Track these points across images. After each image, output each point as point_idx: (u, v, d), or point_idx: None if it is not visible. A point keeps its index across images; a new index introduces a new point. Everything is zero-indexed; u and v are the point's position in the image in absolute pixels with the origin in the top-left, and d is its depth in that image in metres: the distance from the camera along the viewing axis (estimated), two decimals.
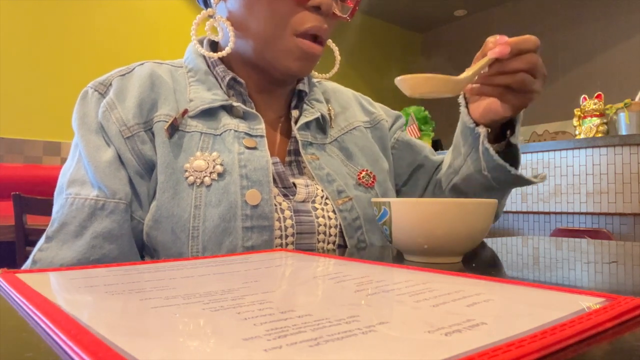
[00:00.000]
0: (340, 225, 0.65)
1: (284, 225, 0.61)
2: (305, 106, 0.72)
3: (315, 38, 0.63)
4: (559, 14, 3.84)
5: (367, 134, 0.78)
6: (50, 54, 2.77)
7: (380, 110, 0.84)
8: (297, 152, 0.69)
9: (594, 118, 2.36)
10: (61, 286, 0.34)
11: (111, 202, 0.56)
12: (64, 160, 2.80)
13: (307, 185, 0.65)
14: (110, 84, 0.63)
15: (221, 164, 0.59)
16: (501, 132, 0.69)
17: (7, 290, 0.31)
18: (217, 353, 0.18)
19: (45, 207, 1.40)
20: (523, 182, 0.69)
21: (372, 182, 0.72)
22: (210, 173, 0.59)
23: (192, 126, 0.62)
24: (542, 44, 0.60)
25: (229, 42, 0.64)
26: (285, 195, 0.63)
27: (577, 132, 2.46)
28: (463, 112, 0.68)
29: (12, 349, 0.21)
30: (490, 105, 0.63)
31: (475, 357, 0.17)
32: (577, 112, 2.45)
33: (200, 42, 0.72)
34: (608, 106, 2.37)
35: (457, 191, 0.75)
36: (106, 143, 0.60)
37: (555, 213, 2.14)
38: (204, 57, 0.69)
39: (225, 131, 0.63)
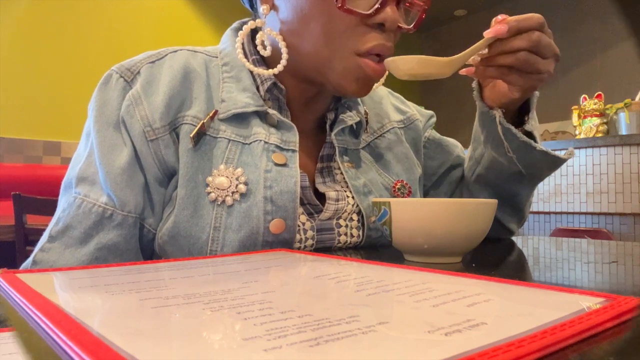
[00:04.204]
0: (362, 243, 0.63)
1: (304, 245, 0.59)
2: (342, 109, 0.68)
3: (378, 56, 0.58)
4: (559, 14, 3.84)
5: (401, 137, 0.74)
6: (50, 54, 2.77)
7: (414, 109, 0.80)
8: (330, 158, 0.66)
9: (594, 118, 2.36)
10: (61, 286, 0.34)
11: (120, 214, 0.53)
12: (64, 160, 2.80)
13: (338, 200, 0.62)
14: (139, 72, 0.58)
15: (245, 183, 0.56)
16: (519, 120, 0.65)
17: (7, 290, 0.31)
18: (217, 353, 0.18)
19: (45, 207, 1.40)
20: (551, 161, 0.63)
21: (408, 193, 0.69)
22: (233, 193, 0.55)
23: (220, 131, 0.58)
24: None
25: (282, 59, 0.59)
26: (310, 214, 0.61)
27: (577, 132, 2.46)
28: (476, 97, 0.64)
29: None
30: (499, 88, 0.60)
31: (475, 357, 0.17)
32: (575, 109, 2.45)
33: (235, 30, 0.67)
34: (608, 106, 2.37)
35: (483, 182, 0.71)
36: (123, 141, 0.55)
37: (555, 213, 2.14)
38: (243, 49, 0.63)
39: (255, 141, 0.59)
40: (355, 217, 0.63)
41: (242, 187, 0.55)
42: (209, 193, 0.55)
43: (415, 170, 0.73)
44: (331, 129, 0.66)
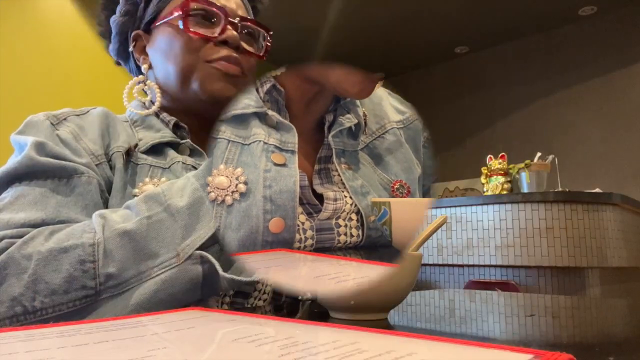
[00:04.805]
0: (361, 242, 0.63)
1: (304, 245, 0.59)
2: (341, 110, 0.69)
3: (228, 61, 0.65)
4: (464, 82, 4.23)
5: (400, 137, 0.74)
6: (46, 54, 2.79)
7: (413, 110, 0.81)
8: (327, 159, 0.67)
9: (499, 176, 2.56)
10: None
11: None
12: None
13: (336, 200, 0.62)
14: (65, 119, 0.64)
15: (244, 183, 0.56)
16: None
17: None
18: None
19: None
20: None
21: (406, 194, 0.69)
22: (232, 192, 0.55)
23: (220, 131, 0.60)
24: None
25: (156, 99, 0.68)
26: (309, 214, 0.61)
27: (484, 190, 2.64)
28: None
29: None
30: None
31: None
32: (484, 170, 2.65)
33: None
34: (511, 166, 2.58)
35: None
36: None
37: (468, 266, 2.23)
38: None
39: (254, 142, 0.60)
40: (354, 216, 0.63)
41: (242, 187, 0.56)
42: (208, 193, 0.55)
43: (414, 170, 0.73)
44: (329, 131, 0.67)
